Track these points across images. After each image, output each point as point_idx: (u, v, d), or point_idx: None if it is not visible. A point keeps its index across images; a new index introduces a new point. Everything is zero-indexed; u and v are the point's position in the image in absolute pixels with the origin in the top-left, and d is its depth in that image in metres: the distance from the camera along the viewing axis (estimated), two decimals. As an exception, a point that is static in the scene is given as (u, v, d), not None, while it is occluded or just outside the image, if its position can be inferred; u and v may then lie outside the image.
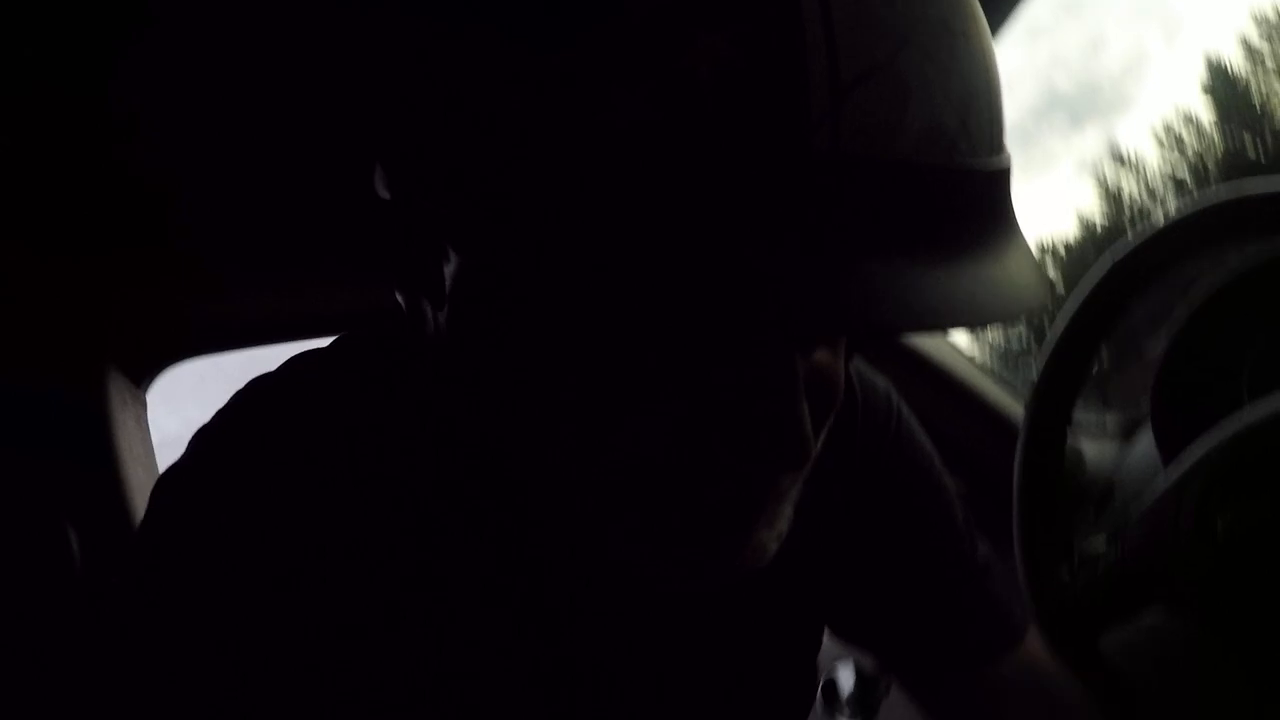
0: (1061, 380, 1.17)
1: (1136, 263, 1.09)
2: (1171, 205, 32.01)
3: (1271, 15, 31.02)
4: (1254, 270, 1.23)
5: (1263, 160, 30.59)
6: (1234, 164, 30.37)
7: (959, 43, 0.42)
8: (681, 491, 0.52)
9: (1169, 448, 1.24)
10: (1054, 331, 1.17)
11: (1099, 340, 1.16)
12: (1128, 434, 1.57)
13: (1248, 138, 30.90)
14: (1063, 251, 36.21)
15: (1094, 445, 1.56)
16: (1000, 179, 0.45)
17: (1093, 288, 1.13)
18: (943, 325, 0.40)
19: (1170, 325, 1.31)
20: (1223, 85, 31.64)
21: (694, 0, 0.37)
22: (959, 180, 0.42)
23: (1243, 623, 0.97)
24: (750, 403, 0.49)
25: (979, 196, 0.43)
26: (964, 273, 0.41)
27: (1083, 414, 1.52)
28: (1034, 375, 1.21)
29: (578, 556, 0.61)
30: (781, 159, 0.38)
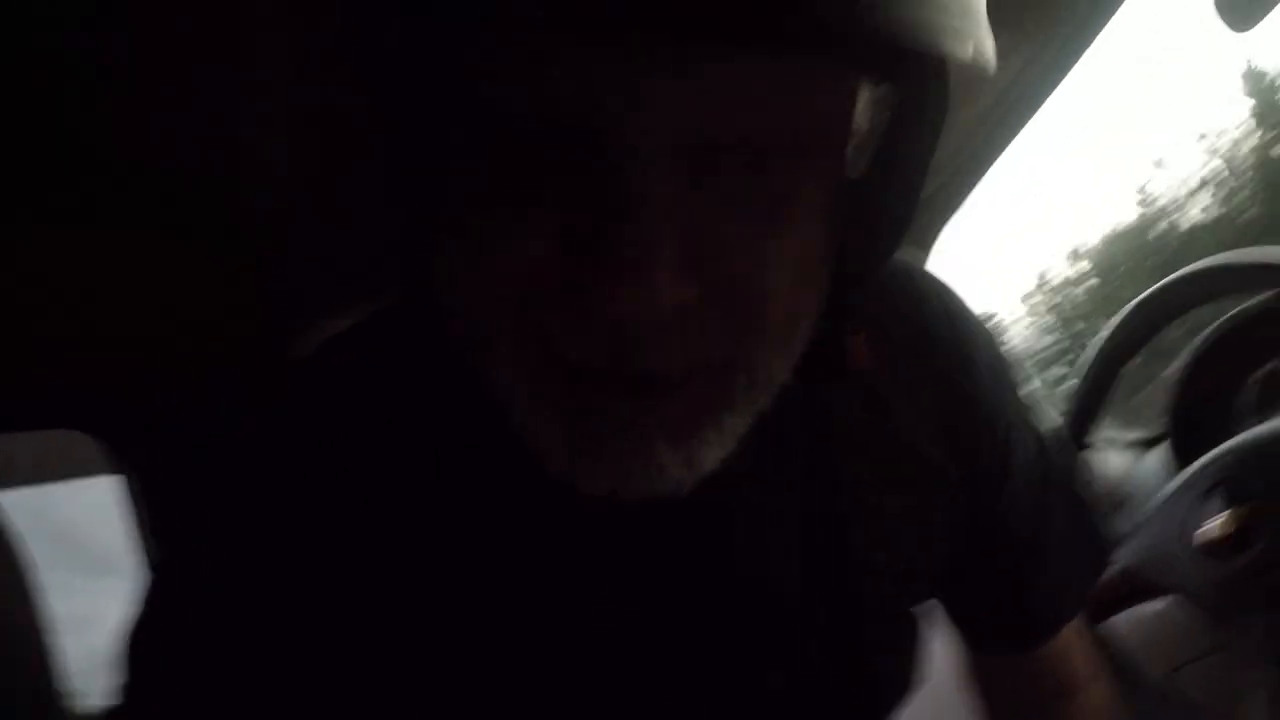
0: (1090, 401, 1.45)
1: (1152, 306, 1.37)
2: (1199, 207, 32.21)
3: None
4: (1256, 313, 1.51)
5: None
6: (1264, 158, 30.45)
7: None
8: (551, 332, 0.47)
9: (1184, 458, 1.50)
10: (1083, 361, 1.44)
11: (1119, 369, 1.44)
12: (1145, 448, 1.84)
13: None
14: (1092, 249, 36.35)
15: (1115, 457, 1.82)
16: None
17: (1118, 324, 1.41)
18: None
19: (1186, 354, 1.59)
20: (1259, 87, 31.71)
21: None
22: None
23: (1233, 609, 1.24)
24: (594, 217, 0.44)
25: None
26: None
27: (1107, 431, 1.79)
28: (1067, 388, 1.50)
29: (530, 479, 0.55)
30: None
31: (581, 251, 0.44)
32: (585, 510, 0.56)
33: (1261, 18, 1.09)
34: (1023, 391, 0.79)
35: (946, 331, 0.73)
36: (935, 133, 0.52)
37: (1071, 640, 0.87)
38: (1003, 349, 0.77)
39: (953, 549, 0.73)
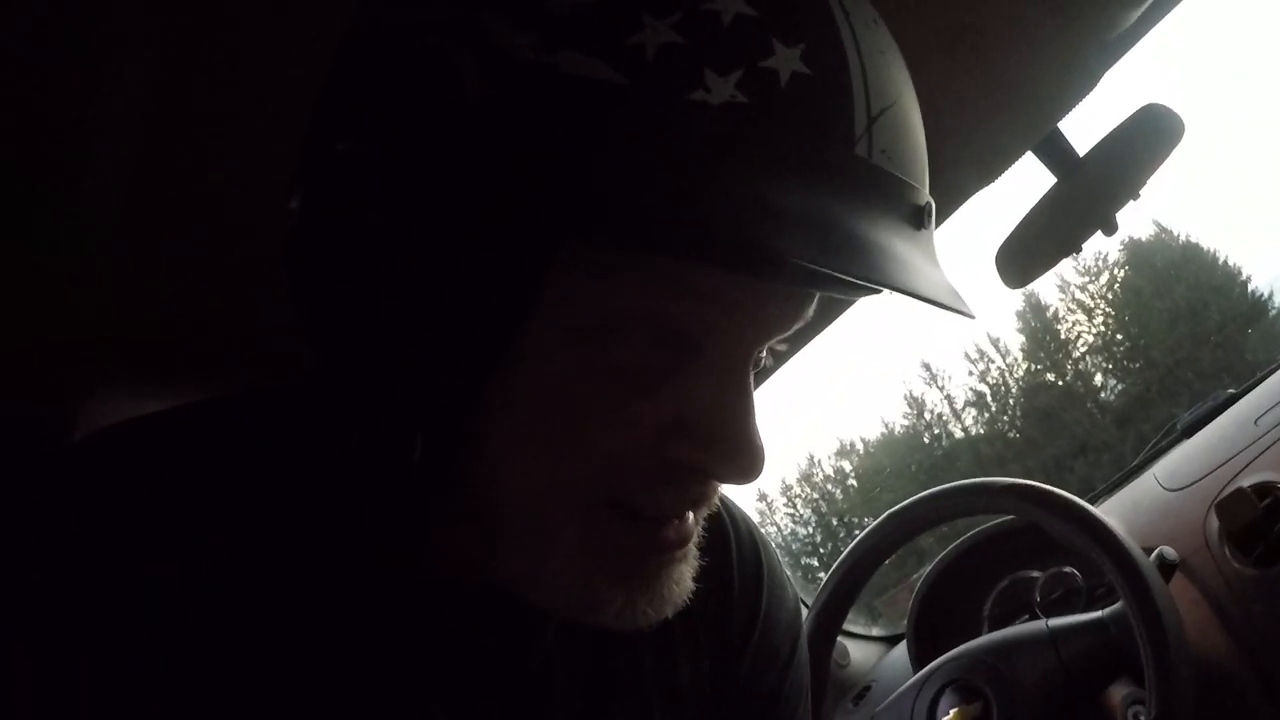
0: (840, 597, 1.64)
1: (907, 517, 1.60)
2: (969, 420, 34.70)
3: (1088, 254, 34.40)
4: (997, 534, 1.77)
5: (1059, 384, 33.43)
6: (1034, 386, 33.23)
7: (914, 103, 0.57)
8: (629, 490, 0.57)
9: (920, 659, 1.70)
10: (838, 563, 1.66)
11: (872, 570, 1.66)
12: (889, 644, 2.06)
13: (1048, 364, 33.84)
14: (861, 447, 38.32)
15: (860, 648, 2.03)
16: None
17: (873, 529, 1.64)
18: (920, 292, 0.51)
19: (933, 565, 1.84)
20: (1034, 313, 34.67)
21: (778, 18, 0.49)
22: (923, 203, 0.55)
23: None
24: (719, 406, 0.56)
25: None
26: (924, 263, 0.54)
27: (853, 626, 2.03)
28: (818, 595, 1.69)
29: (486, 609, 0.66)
30: (834, 157, 0.50)
31: (701, 434, 0.56)
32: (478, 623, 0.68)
33: (1032, 280, 1.32)
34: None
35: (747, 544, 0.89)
36: None
37: None
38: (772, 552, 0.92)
39: None
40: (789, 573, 0.94)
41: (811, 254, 0.48)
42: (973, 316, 0.58)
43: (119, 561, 0.57)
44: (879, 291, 0.56)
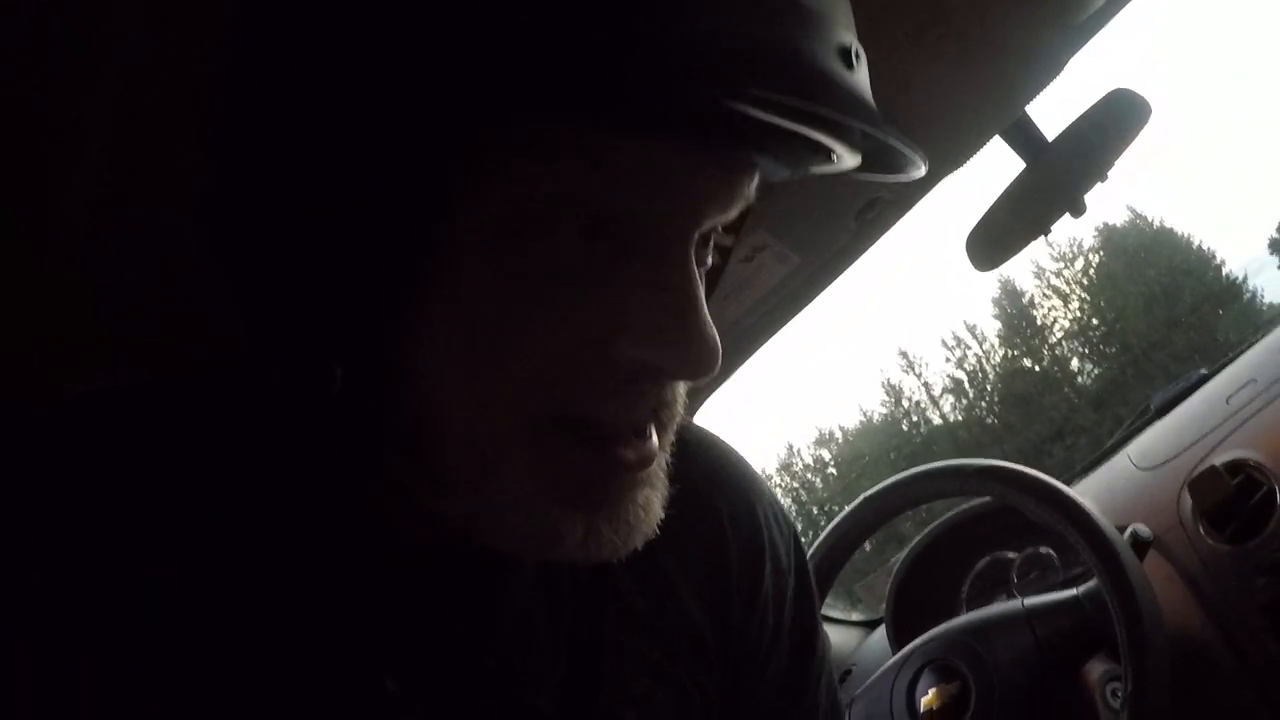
0: (817, 582, 1.65)
1: (881, 501, 1.61)
2: (947, 406, 34.89)
3: (1063, 241, 34.67)
4: (973, 516, 1.79)
5: (1036, 369, 33.65)
6: (1011, 372, 33.45)
7: None
8: (579, 398, 0.52)
9: (899, 640, 1.72)
10: (816, 546, 1.66)
11: (848, 554, 1.67)
12: (869, 629, 2.08)
13: (1025, 350, 34.05)
14: (840, 436, 38.47)
15: (840, 633, 2.05)
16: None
17: (847, 515, 1.65)
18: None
19: (909, 549, 1.86)
20: (1010, 300, 34.89)
21: None
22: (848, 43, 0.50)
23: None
24: (661, 297, 0.51)
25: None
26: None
27: (832, 611, 2.05)
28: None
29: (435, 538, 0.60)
30: None
31: (645, 328, 0.52)
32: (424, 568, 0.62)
33: (1002, 263, 1.34)
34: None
35: (740, 485, 0.82)
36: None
37: None
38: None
39: None
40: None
41: (745, 84, 0.44)
42: (919, 164, 0.53)
43: (77, 528, 0.55)
44: (827, 156, 0.52)
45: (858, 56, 0.50)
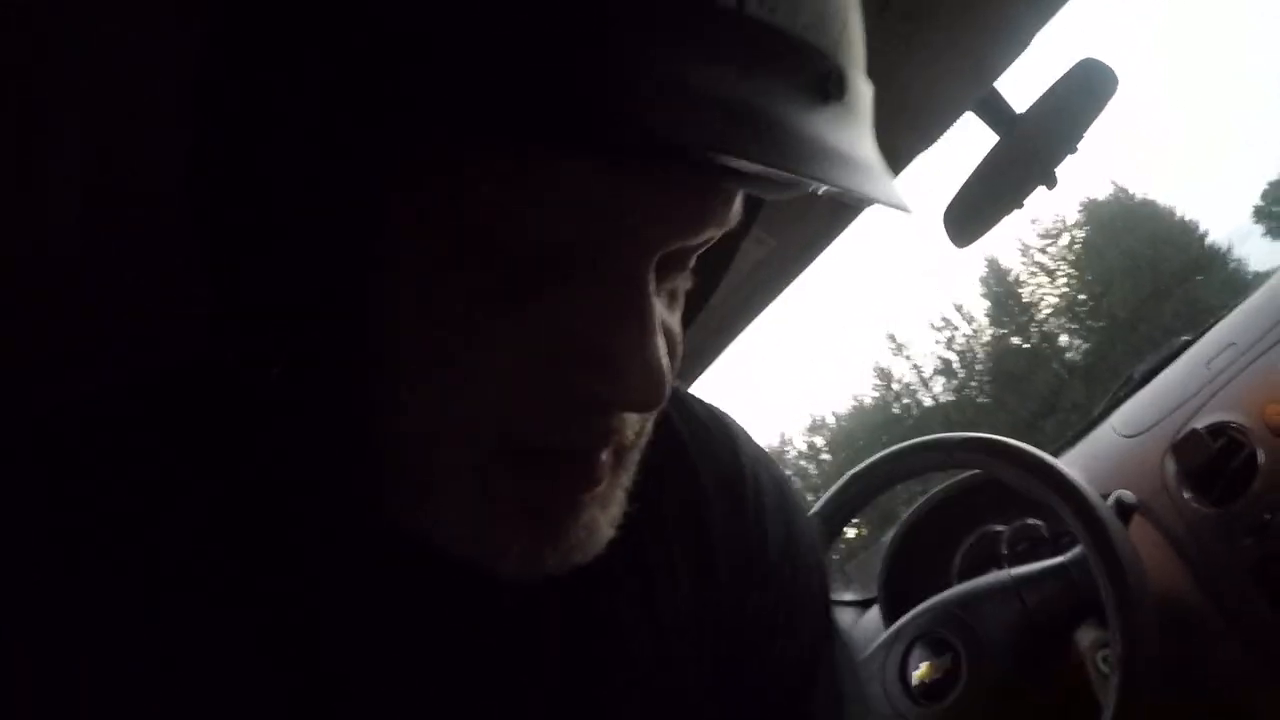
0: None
1: (867, 478, 1.63)
2: (938, 387, 34.97)
3: (1046, 218, 34.76)
4: (960, 491, 1.81)
5: (1025, 347, 33.75)
6: (1000, 351, 33.55)
7: None
8: (521, 429, 0.51)
9: (891, 619, 1.74)
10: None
11: (837, 532, 1.68)
12: (863, 608, 2.10)
13: (1013, 328, 34.14)
14: (832, 422, 38.55)
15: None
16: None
17: (832, 494, 1.67)
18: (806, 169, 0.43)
19: (898, 526, 1.87)
20: (996, 279, 34.94)
21: None
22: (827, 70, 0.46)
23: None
24: (605, 329, 0.50)
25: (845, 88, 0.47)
26: (836, 131, 0.46)
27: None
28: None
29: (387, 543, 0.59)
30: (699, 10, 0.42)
31: (591, 357, 0.50)
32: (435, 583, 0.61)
33: (978, 238, 1.35)
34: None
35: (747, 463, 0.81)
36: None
37: None
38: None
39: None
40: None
41: (685, 132, 0.41)
42: (883, 203, 0.48)
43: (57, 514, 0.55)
44: (776, 179, 0.46)
45: (837, 83, 0.47)
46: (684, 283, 0.57)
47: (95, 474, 0.57)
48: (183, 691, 0.55)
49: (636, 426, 0.57)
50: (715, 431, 0.81)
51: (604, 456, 0.55)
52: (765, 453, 0.85)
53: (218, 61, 0.51)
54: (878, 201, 0.48)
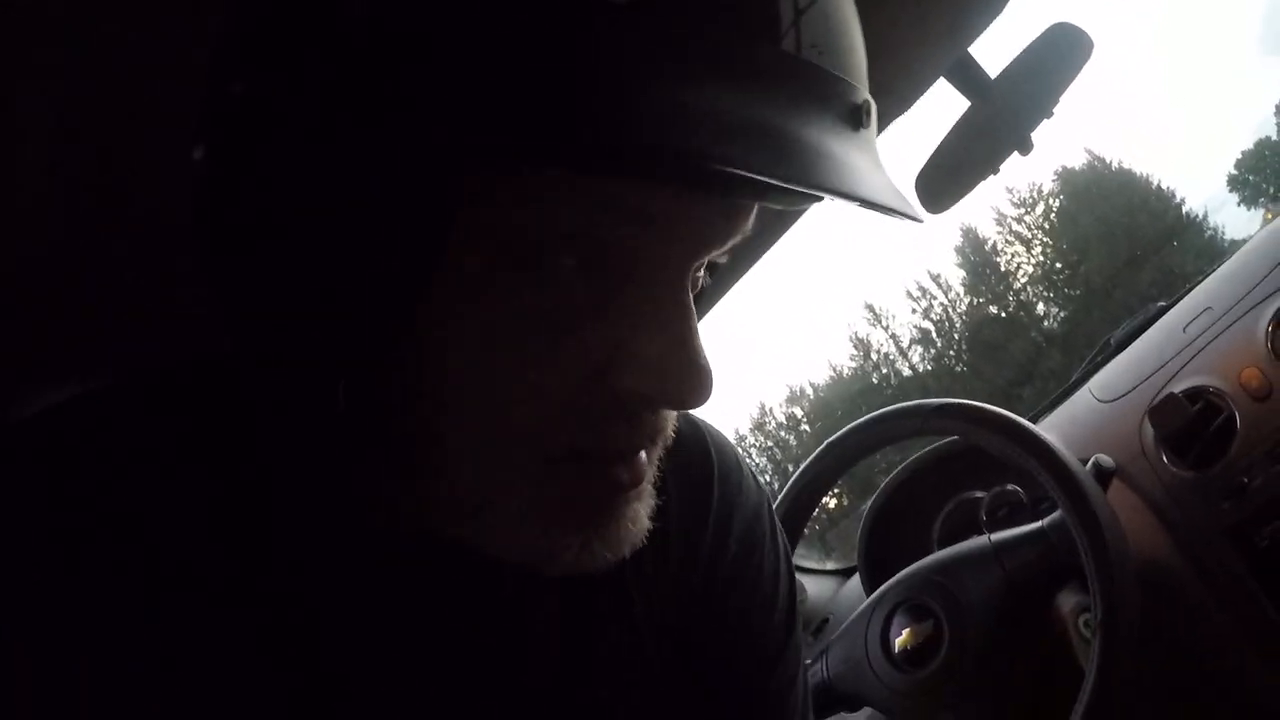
0: (789, 526, 1.66)
1: (843, 446, 1.63)
2: (915, 357, 35.10)
3: (1022, 187, 34.86)
4: (938, 458, 1.81)
5: (1002, 315, 33.90)
6: (977, 320, 33.70)
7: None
8: (575, 435, 0.54)
9: (872, 587, 1.74)
10: (784, 492, 1.67)
11: (814, 502, 1.68)
12: (845, 577, 2.10)
13: (990, 297, 34.28)
14: (811, 392, 38.64)
15: (816, 583, 2.07)
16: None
17: (810, 463, 1.67)
18: (848, 192, 0.47)
19: (877, 494, 1.87)
20: (973, 248, 35.05)
21: None
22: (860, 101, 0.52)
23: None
24: (658, 332, 0.53)
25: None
26: (862, 156, 0.51)
27: (804, 561, 2.06)
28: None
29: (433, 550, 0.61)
30: (759, 53, 0.47)
31: (644, 361, 0.53)
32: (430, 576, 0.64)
33: (952, 205, 1.34)
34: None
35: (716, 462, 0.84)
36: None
37: None
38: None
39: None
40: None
41: (742, 160, 0.44)
42: (919, 220, 0.55)
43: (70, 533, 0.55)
44: (819, 198, 0.52)
45: (867, 113, 0.52)
46: (702, 281, 0.61)
47: (95, 473, 0.57)
48: (183, 691, 0.55)
49: (673, 422, 0.61)
50: (685, 429, 0.82)
51: (643, 455, 0.58)
52: (727, 442, 0.88)
53: (230, 60, 0.52)
54: (911, 218, 0.53)
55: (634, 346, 0.53)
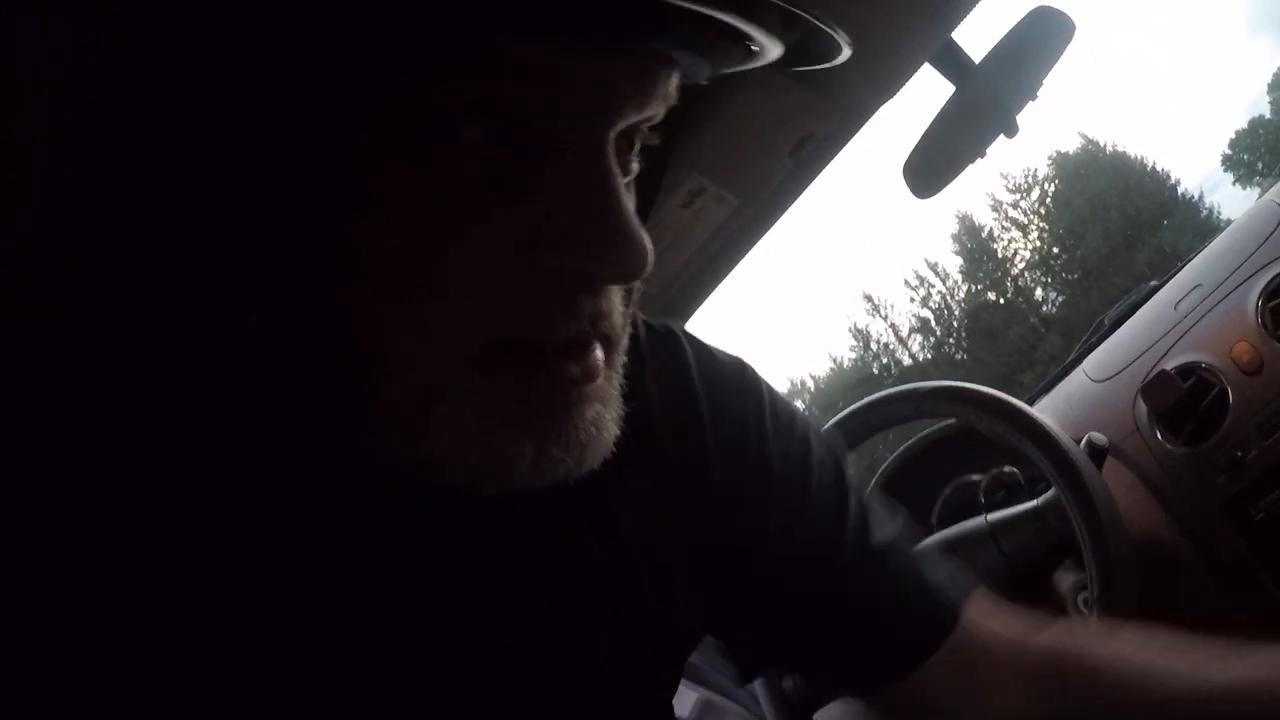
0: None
1: (839, 430, 1.64)
2: (915, 346, 35.11)
3: (1017, 172, 34.84)
4: (935, 441, 1.82)
5: (1000, 301, 33.88)
6: (976, 307, 33.69)
7: None
8: (512, 322, 0.51)
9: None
10: None
11: None
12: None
13: (988, 283, 34.27)
14: (812, 384, 38.65)
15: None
16: None
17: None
18: None
19: (874, 478, 1.89)
20: (969, 235, 35.02)
21: None
22: None
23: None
24: (580, 202, 0.50)
25: None
26: None
27: None
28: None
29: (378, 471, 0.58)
30: None
31: (567, 233, 0.50)
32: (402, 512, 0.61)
33: (940, 190, 1.36)
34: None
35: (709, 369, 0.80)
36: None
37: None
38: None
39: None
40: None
41: None
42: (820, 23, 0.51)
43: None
44: (713, 20, 0.47)
45: None
46: (635, 164, 0.58)
47: (76, 466, 0.56)
48: (179, 675, 0.54)
49: (621, 312, 0.57)
50: (664, 352, 0.79)
51: (597, 351, 0.55)
52: (721, 361, 0.83)
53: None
54: (835, 37, 0.52)
55: (555, 219, 0.51)
